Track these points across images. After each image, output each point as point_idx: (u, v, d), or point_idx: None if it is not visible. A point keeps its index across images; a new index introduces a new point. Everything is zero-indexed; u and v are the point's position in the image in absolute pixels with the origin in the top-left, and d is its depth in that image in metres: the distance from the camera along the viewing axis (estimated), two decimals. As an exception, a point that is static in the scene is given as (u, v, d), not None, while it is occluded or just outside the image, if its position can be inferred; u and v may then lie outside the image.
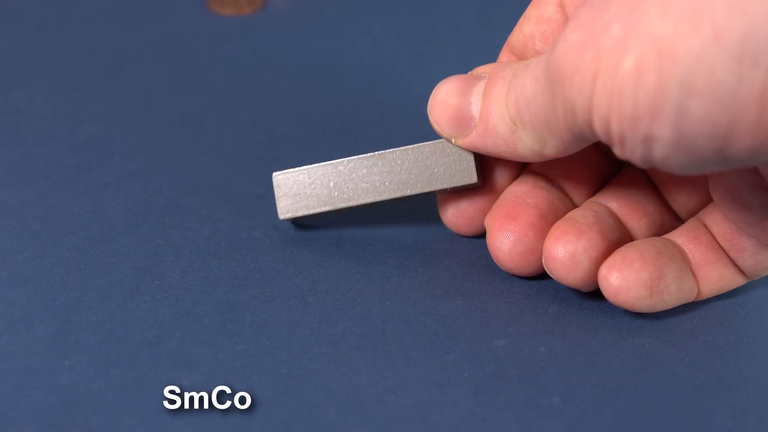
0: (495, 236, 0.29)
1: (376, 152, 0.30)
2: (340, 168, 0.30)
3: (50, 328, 0.27)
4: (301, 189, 0.31)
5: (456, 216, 0.31)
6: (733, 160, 0.22)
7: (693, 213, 0.30)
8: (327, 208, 0.31)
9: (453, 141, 0.29)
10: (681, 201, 0.30)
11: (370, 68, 0.43)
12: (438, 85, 0.29)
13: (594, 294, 0.30)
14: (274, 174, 0.31)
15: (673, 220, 0.30)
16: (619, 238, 0.29)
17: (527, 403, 0.26)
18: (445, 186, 0.30)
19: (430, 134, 0.37)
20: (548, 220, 0.29)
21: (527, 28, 0.29)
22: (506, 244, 0.29)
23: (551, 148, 0.26)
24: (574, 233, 0.28)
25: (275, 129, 0.38)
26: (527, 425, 0.25)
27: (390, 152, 0.30)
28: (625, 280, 0.27)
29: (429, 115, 0.29)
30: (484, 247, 0.32)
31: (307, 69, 0.43)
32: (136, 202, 0.33)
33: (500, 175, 0.31)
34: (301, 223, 0.32)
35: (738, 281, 0.29)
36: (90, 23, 0.46)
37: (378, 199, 0.30)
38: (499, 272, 0.31)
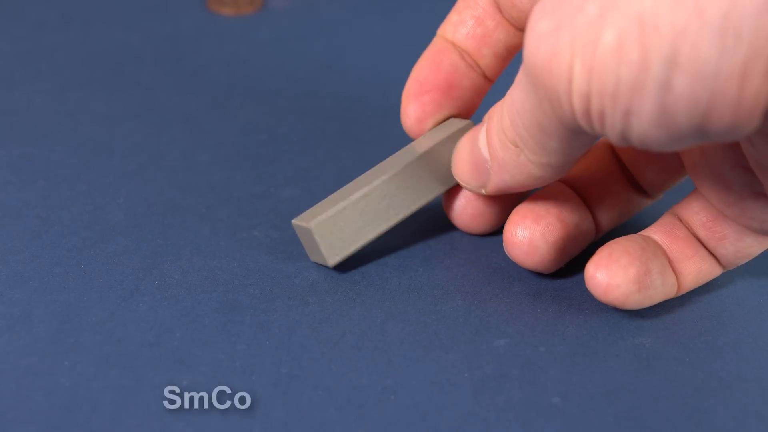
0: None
1: (391, 172, 0.30)
2: (365, 199, 0.30)
3: (50, 328, 0.27)
4: (338, 229, 0.29)
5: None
6: (711, 136, 0.22)
7: (661, 189, 0.31)
8: (363, 242, 0.30)
9: (484, 192, 0.29)
10: (649, 177, 0.30)
11: (370, 68, 0.43)
12: (456, 148, 0.30)
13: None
14: (313, 223, 0.29)
15: (639, 197, 0.31)
16: (578, 220, 0.30)
17: (527, 403, 0.26)
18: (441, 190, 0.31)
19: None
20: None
21: None
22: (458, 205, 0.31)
23: (554, 155, 0.26)
24: (531, 218, 0.29)
25: (275, 129, 0.38)
26: (527, 425, 0.25)
27: (406, 167, 0.30)
28: (613, 277, 0.27)
29: (455, 176, 0.30)
30: (484, 246, 0.32)
31: (307, 69, 0.43)
32: (136, 202, 0.33)
33: None
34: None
35: (715, 273, 0.29)
36: (90, 23, 0.46)
37: (407, 213, 0.30)
38: (499, 272, 0.31)
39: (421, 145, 0.30)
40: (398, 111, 0.31)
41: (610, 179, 0.30)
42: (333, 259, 0.29)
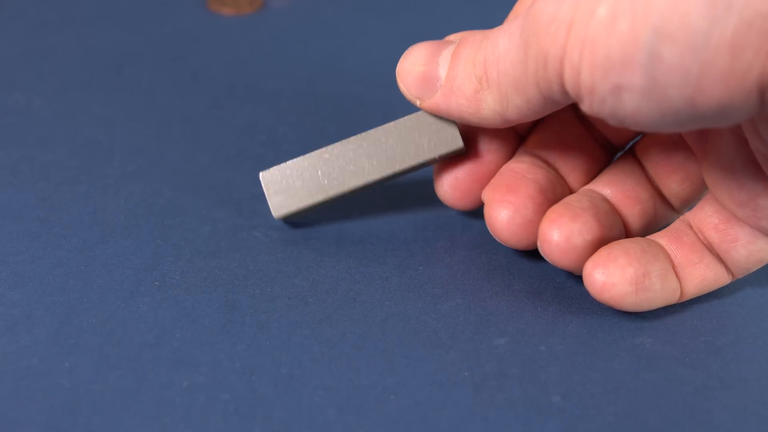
0: (493, 208, 0.29)
1: (360, 134, 0.30)
2: (326, 156, 0.30)
3: (50, 329, 0.27)
4: (290, 183, 0.31)
5: (452, 188, 0.31)
6: (704, 114, 0.22)
7: (685, 201, 0.30)
8: (320, 198, 0.30)
9: (418, 103, 0.29)
10: (673, 188, 0.30)
11: (370, 68, 0.43)
12: (407, 50, 0.29)
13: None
14: (261, 173, 0.31)
15: (665, 209, 0.31)
16: (612, 223, 0.29)
17: (527, 402, 0.26)
18: (431, 156, 0.30)
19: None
20: (547, 195, 0.29)
21: None
22: (504, 215, 0.29)
23: (513, 110, 0.26)
24: (569, 216, 0.28)
25: (275, 129, 0.38)
26: (527, 424, 0.25)
27: (373, 131, 0.30)
28: (610, 276, 0.27)
29: (397, 77, 0.29)
30: (485, 244, 0.32)
31: (307, 69, 0.43)
32: (136, 203, 0.33)
33: (495, 147, 0.31)
34: (296, 220, 0.32)
35: (722, 281, 0.29)
36: (90, 23, 0.46)
37: (369, 180, 0.30)
38: (500, 270, 0.31)
39: (398, 124, 0.30)
40: (398, 111, 0.31)
41: (640, 190, 0.30)
42: (278, 212, 0.30)
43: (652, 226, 0.31)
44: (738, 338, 0.28)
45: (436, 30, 0.47)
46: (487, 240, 0.32)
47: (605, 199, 0.30)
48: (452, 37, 0.29)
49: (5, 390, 0.25)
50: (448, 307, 0.29)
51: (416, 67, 0.28)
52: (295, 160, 0.30)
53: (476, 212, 0.34)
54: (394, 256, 0.31)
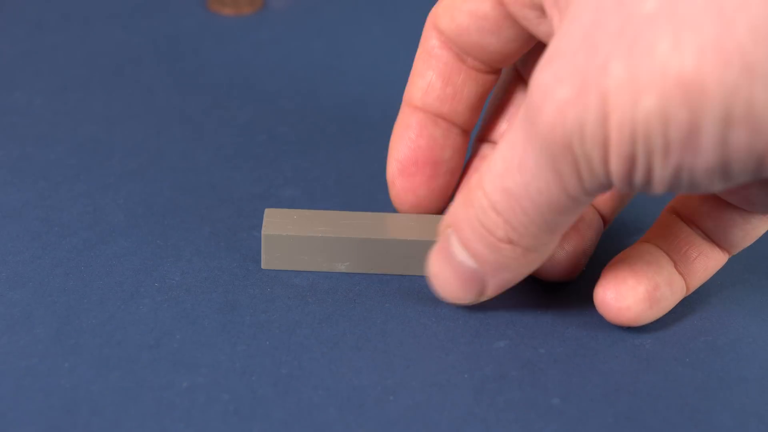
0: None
1: (364, 236, 0.30)
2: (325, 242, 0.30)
3: (50, 329, 0.27)
4: (283, 248, 0.30)
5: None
6: (764, 175, 0.22)
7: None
8: (302, 268, 0.30)
9: (484, 299, 0.28)
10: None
11: (370, 68, 0.43)
12: (429, 271, 0.28)
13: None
14: (265, 232, 0.30)
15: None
16: (589, 221, 0.29)
17: (527, 404, 0.26)
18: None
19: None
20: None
21: (460, 18, 0.28)
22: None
23: (558, 232, 0.25)
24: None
25: (275, 129, 0.38)
26: (527, 426, 0.25)
27: (378, 240, 0.30)
28: (623, 300, 0.27)
29: (447, 301, 0.28)
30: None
31: (307, 69, 0.43)
32: (136, 202, 0.33)
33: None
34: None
35: (721, 263, 0.29)
36: (90, 23, 0.46)
37: (358, 271, 0.30)
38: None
39: (407, 230, 0.30)
40: (397, 111, 0.31)
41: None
42: (267, 265, 0.30)
43: (626, 201, 0.31)
44: (738, 338, 0.28)
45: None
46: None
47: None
48: (442, 227, 0.27)
49: (5, 390, 0.25)
50: (448, 309, 0.29)
51: (448, 281, 0.27)
52: (297, 232, 0.30)
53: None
54: (394, 257, 0.31)
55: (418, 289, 0.30)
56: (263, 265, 0.30)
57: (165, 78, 0.41)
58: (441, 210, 0.31)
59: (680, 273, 0.29)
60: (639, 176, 0.22)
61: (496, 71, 0.30)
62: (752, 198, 0.27)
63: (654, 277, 0.28)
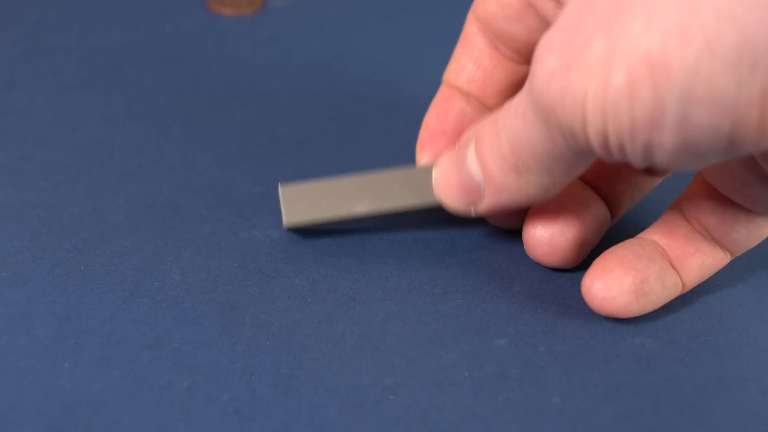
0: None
1: (379, 174, 0.30)
2: (349, 179, 0.31)
3: (50, 329, 0.27)
4: (308, 198, 0.31)
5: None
6: (738, 153, 0.22)
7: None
8: (325, 217, 0.31)
9: (473, 212, 0.29)
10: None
11: (370, 68, 0.43)
12: (434, 171, 0.29)
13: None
14: (280, 185, 0.31)
15: (651, 179, 0.31)
16: (594, 210, 0.30)
17: (527, 403, 0.26)
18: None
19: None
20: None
21: (491, 6, 0.29)
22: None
23: (560, 176, 0.26)
24: (548, 217, 0.29)
25: (275, 129, 0.38)
26: (527, 425, 0.25)
27: (391, 173, 0.30)
28: (608, 289, 0.28)
29: (439, 198, 0.29)
30: (485, 246, 0.32)
31: (307, 69, 0.43)
32: (136, 202, 0.33)
33: None
34: (304, 229, 0.32)
35: (721, 263, 0.29)
36: (90, 23, 0.46)
37: (386, 207, 0.30)
38: (500, 272, 0.31)
39: (424, 194, 0.30)
40: (398, 111, 0.31)
41: (621, 167, 0.31)
42: (289, 220, 0.31)
43: (636, 196, 0.31)
44: (738, 338, 0.28)
45: (436, 30, 0.47)
46: (487, 242, 0.32)
47: (581, 183, 0.31)
48: (464, 137, 0.29)
49: (5, 390, 0.25)
50: (448, 307, 0.29)
51: (451, 183, 0.29)
52: (316, 181, 0.31)
53: (476, 218, 0.34)
54: (394, 256, 0.31)
55: (417, 286, 0.30)
56: (284, 223, 0.31)
57: (165, 78, 0.42)
58: None
59: (676, 269, 0.29)
60: (615, 151, 0.23)
61: (527, 61, 0.30)
62: (755, 197, 0.27)
63: (643, 270, 0.28)
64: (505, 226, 0.32)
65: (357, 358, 0.27)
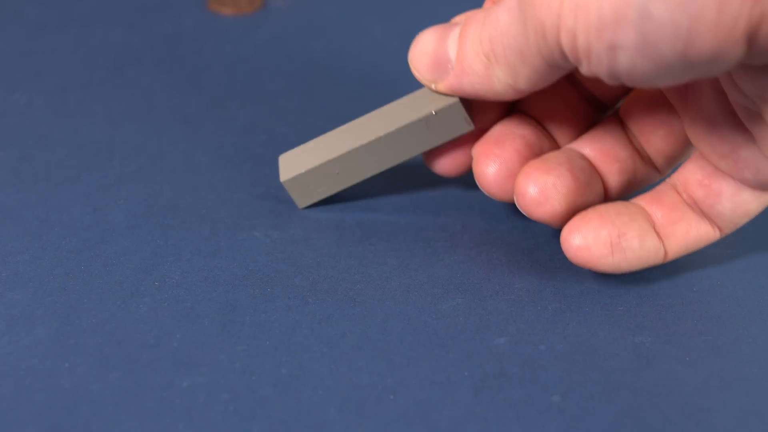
0: (481, 161, 0.30)
1: (371, 138, 0.31)
2: (336, 133, 0.32)
3: (50, 329, 0.27)
4: (302, 157, 0.32)
5: (443, 155, 0.32)
6: (696, 65, 0.23)
7: (669, 159, 0.31)
8: (329, 159, 0.32)
9: (433, 87, 0.30)
10: (656, 144, 0.31)
11: (370, 68, 0.43)
12: (417, 36, 0.30)
13: (594, 292, 0.30)
14: (284, 179, 0.32)
15: (647, 168, 0.31)
16: (588, 179, 0.30)
17: (527, 402, 0.26)
18: (432, 110, 0.31)
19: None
20: (533, 150, 0.31)
21: None
22: (491, 168, 0.30)
23: (523, 81, 0.27)
24: (543, 169, 0.29)
25: (275, 129, 0.38)
26: (527, 424, 0.25)
27: (379, 109, 0.32)
28: (584, 239, 0.28)
29: (410, 63, 0.30)
30: (484, 244, 0.32)
31: (307, 69, 0.43)
32: (136, 203, 0.33)
33: (488, 120, 0.32)
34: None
35: (708, 237, 0.30)
36: (90, 23, 0.46)
37: (372, 137, 0.31)
38: (499, 270, 0.31)
39: (405, 114, 0.31)
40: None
41: (619, 149, 0.31)
42: (302, 203, 0.33)
43: (632, 185, 0.31)
44: (738, 338, 0.28)
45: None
46: (487, 240, 0.32)
47: (584, 157, 0.31)
48: (458, 18, 0.30)
49: (5, 390, 0.25)
50: (448, 307, 0.29)
51: (427, 52, 0.29)
52: (309, 141, 0.33)
53: (476, 214, 0.34)
54: (394, 257, 0.31)
55: (417, 286, 0.30)
56: (300, 207, 0.33)
57: (165, 78, 0.42)
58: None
59: (659, 235, 0.29)
60: (582, 55, 0.24)
61: None
62: (744, 162, 0.27)
63: (622, 226, 0.29)
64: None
65: (357, 358, 0.27)
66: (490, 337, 0.28)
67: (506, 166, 0.30)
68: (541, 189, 0.29)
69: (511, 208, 0.34)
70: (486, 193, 0.31)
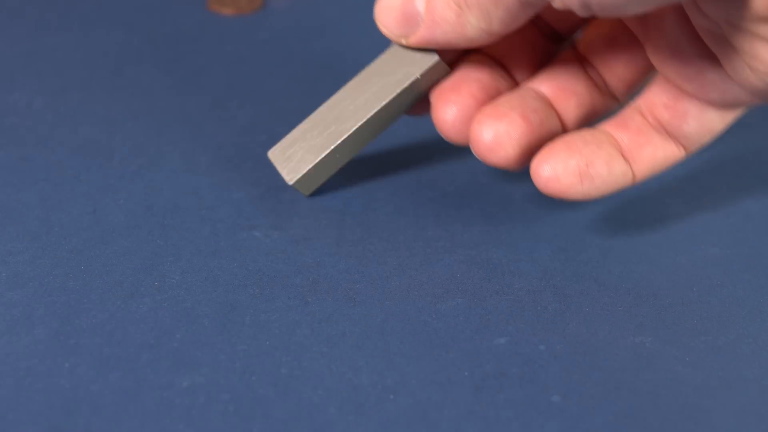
0: (438, 107, 0.30)
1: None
2: (320, 113, 0.32)
3: (50, 329, 0.27)
4: (296, 150, 0.32)
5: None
6: None
7: (629, 84, 0.31)
8: (327, 150, 0.32)
9: (404, 41, 0.30)
10: (618, 71, 0.31)
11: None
12: None
13: (594, 292, 0.30)
14: (269, 152, 0.33)
15: (606, 99, 0.32)
16: (542, 119, 0.30)
17: (527, 402, 0.26)
18: (415, 75, 0.31)
19: (431, 133, 0.37)
20: (489, 93, 0.31)
21: None
22: (449, 114, 0.30)
23: (497, 23, 0.27)
24: (495, 116, 0.30)
25: (275, 129, 0.38)
26: (527, 424, 0.25)
27: (355, 78, 0.32)
28: (553, 170, 0.29)
29: (376, 20, 0.30)
30: (484, 244, 0.32)
31: (307, 68, 0.43)
32: (136, 203, 0.33)
33: (451, 56, 0.32)
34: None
35: (674, 157, 0.30)
36: (90, 23, 0.46)
37: (367, 115, 0.31)
38: (499, 270, 0.31)
39: (389, 81, 0.31)
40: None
41: (575, 83, 0.31)
42: (292, 176, 0.32)
43: (590, 117, 0.32)
44: (738, 338, 0.28)
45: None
46: (487, 239, 0.32)
47: (539, 96, 0.31)
48: None
49: (5, 390, 0.25)
50: (448, 306, 0.29)
51: (394, 6, 0.29)
52: (293, 130, 0.32)
53: (477, 213, 0.34)
54: (394, 256, 0.31)
55: (417, 286, 0.30)
56: (305, 195, 0.33)
57: (165, 78, 0.42)
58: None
59: (626, 159, 0.29)
60: None
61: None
62: (709, 84, 0.27)
63: (590, 155, 0.29)
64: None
65: (357, 358, 0.27)
66: (490, 337, 0.28)
67: (462, 112, 0.30)
68: (494, 136, 0.29)
69: (511, 208, 0.34)
70: (446, 139, 0.31)
